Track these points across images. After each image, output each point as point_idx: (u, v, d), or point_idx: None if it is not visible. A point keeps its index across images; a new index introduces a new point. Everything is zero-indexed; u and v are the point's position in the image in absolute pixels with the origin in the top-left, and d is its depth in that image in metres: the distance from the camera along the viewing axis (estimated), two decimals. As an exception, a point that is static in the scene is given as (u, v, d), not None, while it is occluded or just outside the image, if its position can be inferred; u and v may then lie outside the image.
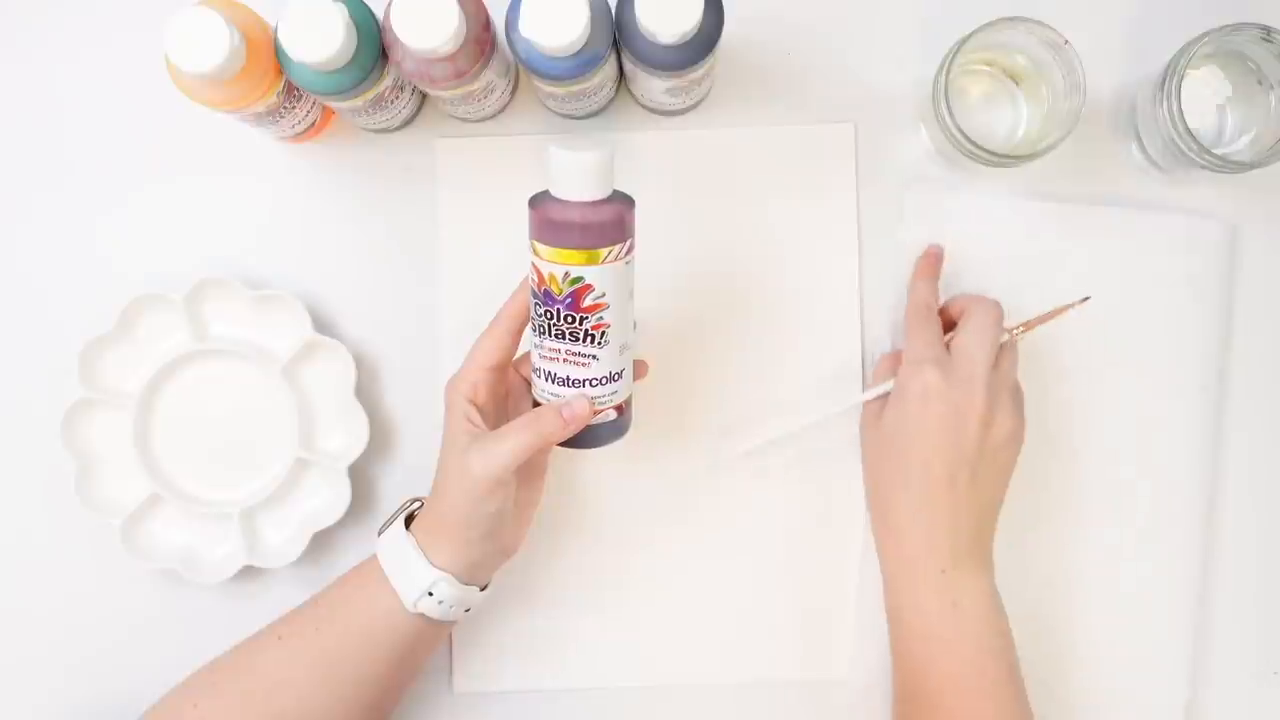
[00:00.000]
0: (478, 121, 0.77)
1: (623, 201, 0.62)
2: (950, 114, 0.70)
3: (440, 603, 0.66)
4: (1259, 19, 0.69)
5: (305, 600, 0.70)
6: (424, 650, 0.69)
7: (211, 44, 0.62)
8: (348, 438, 0.76)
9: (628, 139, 0.77)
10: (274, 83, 0.67)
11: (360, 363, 0.76)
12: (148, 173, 0.78)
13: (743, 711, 0.76)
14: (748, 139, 0.77)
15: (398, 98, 0.71)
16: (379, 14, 0.66)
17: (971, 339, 0.68)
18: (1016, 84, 0.75)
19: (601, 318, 0.62)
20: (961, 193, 0.76)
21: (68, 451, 0.75)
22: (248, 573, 0.76)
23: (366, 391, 0.77)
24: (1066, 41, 0.68)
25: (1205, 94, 0.73)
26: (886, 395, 0.71)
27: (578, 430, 0.64)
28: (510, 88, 0.75)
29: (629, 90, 0.75)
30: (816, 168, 0.77)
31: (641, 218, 0.63)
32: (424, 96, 0.76)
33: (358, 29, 0.64)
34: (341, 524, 0.75)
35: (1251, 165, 0.69)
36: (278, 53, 0.66)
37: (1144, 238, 0.76)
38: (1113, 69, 0.76)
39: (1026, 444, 0.70)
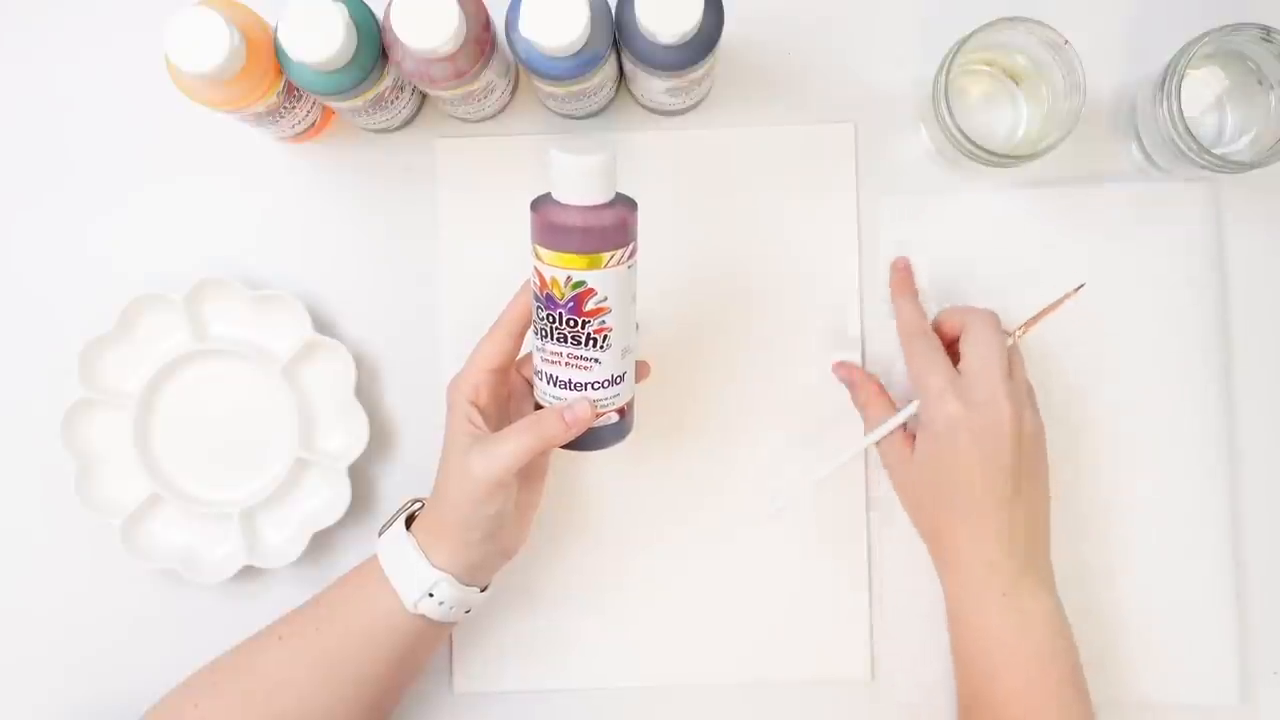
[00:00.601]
0: (478, 121, 0.77)
1: (625, 205, 0.62)
2: (950, 114, 0.70)
3: (441, 603, 0.66)
4: (1259, 19, 0.69)
5: (306, 600, 0.70)
6: (424, 651, 0.69)
7: (211, 44, 0.62)
8: (348, 438, 0.76)
9: (628, 139, 0.77)
10: (274, 83, 0.67)
11: (360, 363, 0.76)
12: (148, 173, 0.78)
13: (743, 712, 0.76)
14: (748, 139, 0.77)
15: (398, 98, 0.71)
16: (379, 14, 0.66)
17: (980, 356, 0.68)
18: (1016, 84, 0.75)
19: (604, 321, 0.62)
20: (945, 194, 0.76)
21: (68, 451, 0.75)
22: (248, 573, 0.76)
23: (366, 391, 0.77)
24: (1066, 41, 0.68)
25: (1205, 94, 0.73)
26: (902, 424, 0.71)
27: (579, 433, 0.64)
28: (510, 88, 0.75)
29: (629, 90, 0.75)
30: (816, 168, 0.77)
31: (641, 218, 0.63)
32: (424, 96, 0.76)
33: (358, 29, 0.64)
34: (341, 524, 0.75)
35: (1251, 165, 0.69)
36: (278, 53, 0.66)
37: (1143, 237, 0.76)
38: (1113, 69, 0.76)
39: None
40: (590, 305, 0.62)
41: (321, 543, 0.76)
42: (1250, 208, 0.76)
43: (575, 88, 0.68)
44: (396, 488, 0.78)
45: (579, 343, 0.63)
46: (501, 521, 0.66)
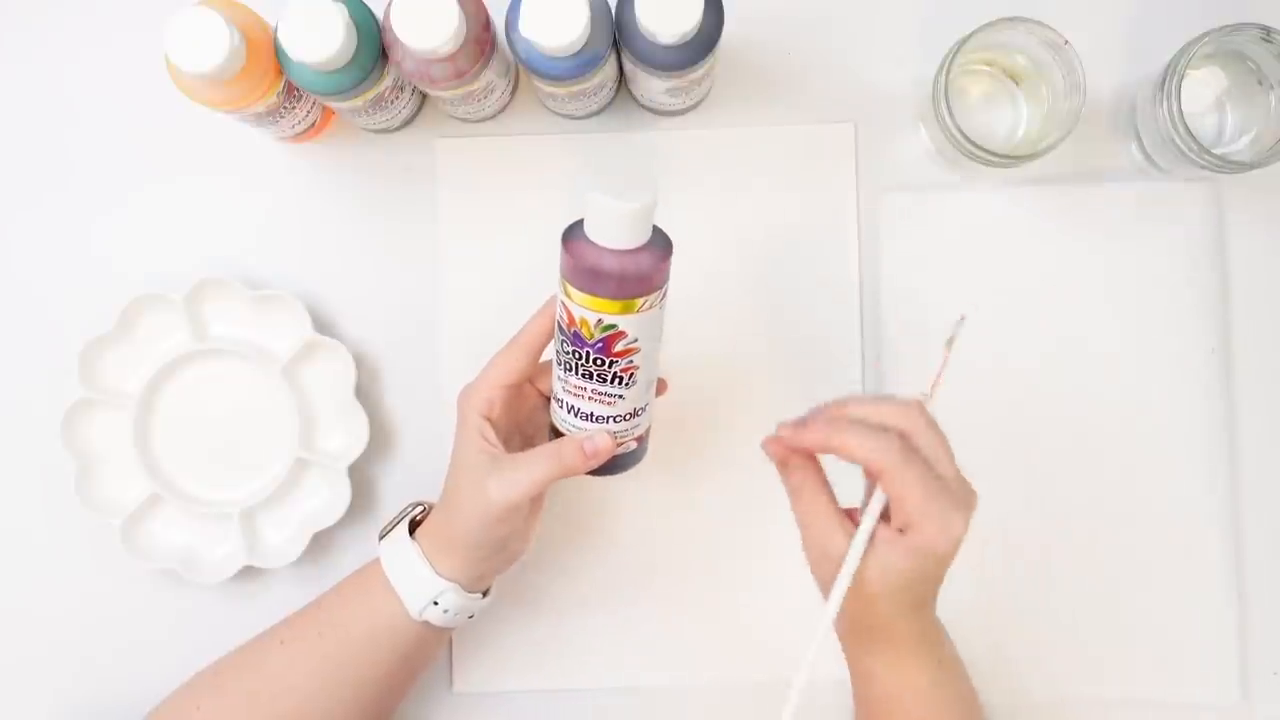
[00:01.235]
0: (478, 121, 0.77)
1: (662, 247, 0.59)
2: (950, 114, 0.70)
3: (445, 611, 0.66)
4: (1259, 19, 0.69)
5: (307, 603, 0.69)
6: (426, 655, 0.69)
7: (211, 44, 0.62)
8: (348, 438, 0.76)
9: (628, 139, 0.77)
10: (274, 83, 0.67)
11: (360, 363, 0.76)
12: (148, 173, 0.78)
13: (742, 712, 0.76)
14: (748, 139, 0.77)
15: (398, 98, 0.71)
16: (379, 14, 0.66)
17: (948, 461, 0.59)
18: (1016, 84, 0.75)
19: (632, 361, 0.61)
20: (945, 194, 0.76)
21: (68, 451, 0.75)
22: (248, 573, 0.76)
23: (366, 391, 0.77)
24: (1066, 41, 0.68)
25: (1205, 94, 0.73)
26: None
27: (599, 464, 0.63)
28: (510, 88, 0.75)
29: (629, 90, 0.75)
30: (816, 168, 0.77)
31: (641, 218, 0.63)
32: (424, 96, 0.76)
33: (358, 29, 0.64)
34: (341, 524, 0.75)
35: (1251, 165, 0.69)
36: (278, 53, 0.66)
37: (1143, 237, 0.76)
38: (1113, 69, 0.76)
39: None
40: (620, 347, 0.60)
41: (321, 543, 0.76)
42: (1250, 208, 0.76)
43: (575, 88, 0.68)
44: (396, 488, 0.78)
45: (604, 380, 0.61)
46: (511, 539, 0.66)
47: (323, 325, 0.77)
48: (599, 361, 0.60)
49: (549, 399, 0.65)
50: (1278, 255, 0.77)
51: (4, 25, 0.78)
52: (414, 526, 0.68)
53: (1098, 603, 0.75)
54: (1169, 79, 0.69)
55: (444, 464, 0.67)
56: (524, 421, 0.68)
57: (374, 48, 0.66)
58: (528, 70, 0.66)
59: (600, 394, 0.62)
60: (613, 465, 0.65)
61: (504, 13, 0.65)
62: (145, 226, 0.78)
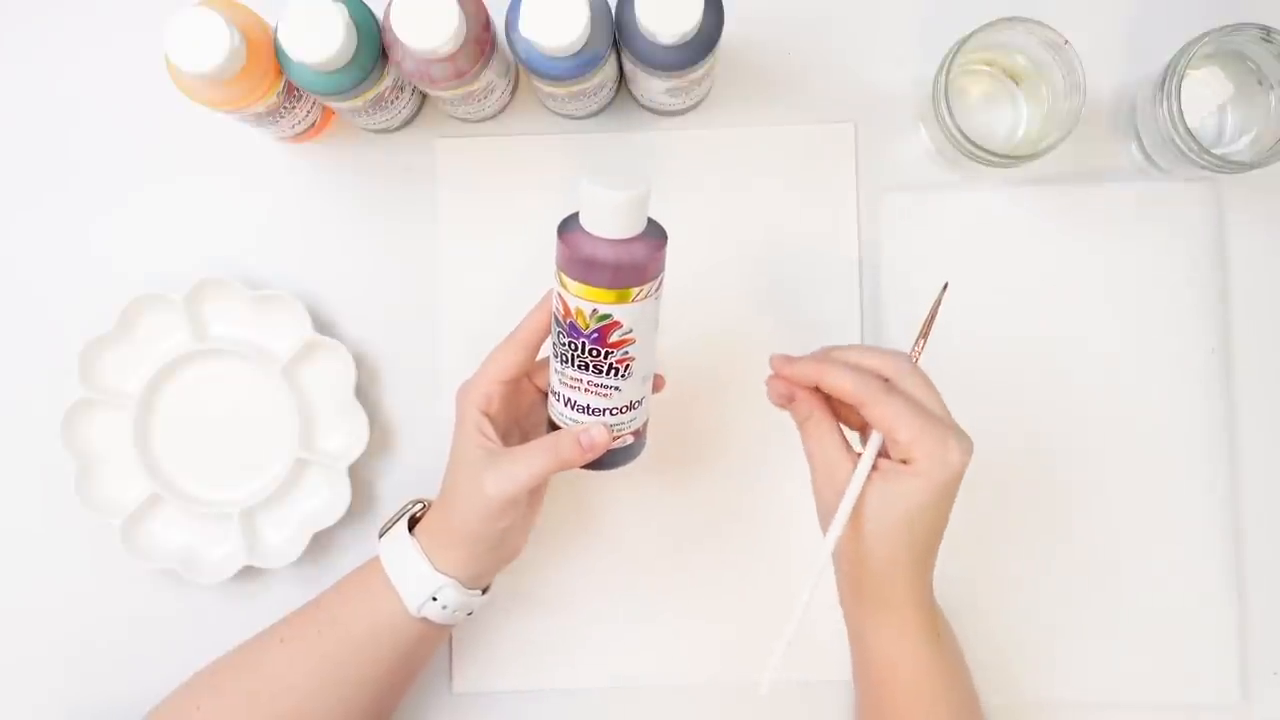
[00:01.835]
0: (478, 121, 0.77)
1: (656, 238, 0.59)
2: (950, 114, 0.70)
3: (444, 608, 0.66)
4: (1259, 19, 0.69)
5: (306, 602, 0.70)
6: (425, 652, 0.69)
7: (211, 44, 0.62)
8: (348, 438, 0.76)
9: (628, 139, 0.77)
10: (274, 83, 0.67)
11: (360, 363, 0.76)
12: (148, 173, 0.78)
13: (742, 712, 0.76)
14: (748, 139, 0.77)
15: (398, 98, 0.71)
16: (379, 14, 0.66)
17: (937, 400, 0.62)
18: (1016, 84, 0.75)
19: (627, 352, 0.61)
20: (945, 194, 0.76)
21: (68, 451, 0.75)
22: (248, 573, 0.76)
23: (366, 391, 0.77)
24: (1066, 41, 0.68)
25: (1205, 94, 0.73)
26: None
27: (595, 458, 0.63)
28: (510, 88, 0.75)
29: (629, 90, 0.75)
30: (816, 168, 0.77)
31: (641, 218, 0.63)
32: (424, 96, 0.76)
33: (358, 29, 0.64)
34: (341, 524, 0.75)
35: (1251, 165, 0.69)
36: (278, 53, 0.66)
37: (1144, 237, 0.76)
38: (1113, 69, 0.76)
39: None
40: (615, 337, 0.60)
41: (321, 543, 0.76)
42: (1250, 208, 0.76)
43: (575, 88, 0.68)
44: (396, 488, 0.78)
45: (600, 371, 0.61)
46: (509, 533, 0.66)
47: (323, 325, 0.77)
48: (594, 352, 0.61)
49: (547, 394, 0.65)
50: (1278, 255, 0.77)
51: (4, 25, 0.78)
52: (414, 523, 0.68)
53: (1097, 602, 0.75)
54: (1169, 79, 0.69)
55: (444, 463, 0.67)
56: (522, 417, 0.68)
57: (374, 48, 0.66)
58: (528, 70, 0.66)
59: (596, 386, 0.62)
60: (610, 460, 0.65)
61: (504, 13, 0.65)
62: (145, 226, 0.78)
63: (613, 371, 0.61)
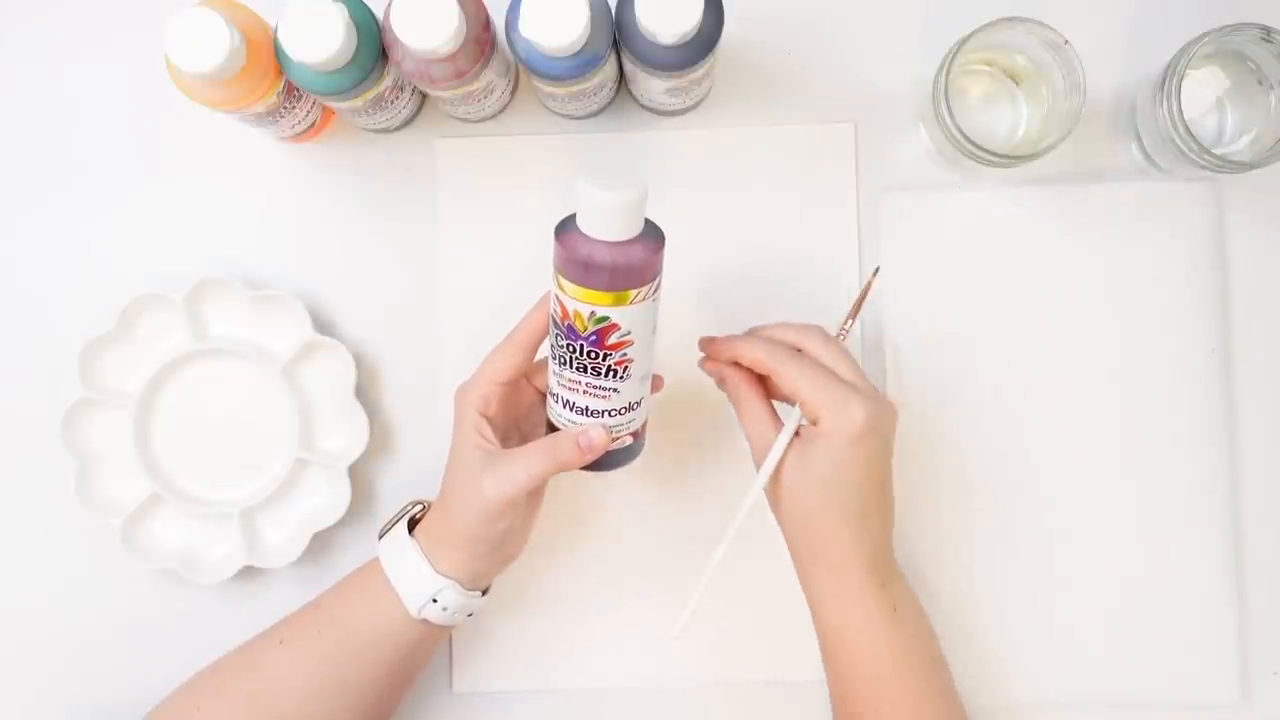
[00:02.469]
0: (478, 121, 0.77)
1: (654, 239, 0.59)
2: (950, 114, 0.70)
3: (445, 609, 0.66)
4: (1259, 19, 0.69)
5: (307, 603, 0.70)
6: (425, 653, 0.69)
7: (211, 44, 0.62)
8: (348, 438, 0.76)
9: (628, 139, 0.77)
10: (274, 83, 0.67)
11: (360, 363, 0.76)
12: (148, 173, 0.78)
13: (742, 712, 0.76)
14: (748, 139, 0.77)
15: (398, 98, 0.71)
16: (379, 14, 0.66)
17: (845, 362, 0.65)
18: (1016, 84, 0.75)
19: (626, 354, 0.61)
20: (945, 194, 0.76)
21: (68, 451, 0.75)
22: (248, 573, 0.76)
23: (366, 391, 0.77)
24: (1066, 41, 0.68)
25: (1205, 94, 0.73)
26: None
27: (594, 459, 0.63)
28: (510, 88, 0.75)
29: (629, 90, 0.75)
30: (816, 168, 0.77)
31: (641, 218, 0.63)
32: (424, 96, 0.76)
33: (358, 29, 0.64)
34: (341, 524, 0.75)
35: (1251, 165, 0.69)
36: (278, 53, 0.66)
37: (1144, 237, 0.76)
38: (1113, 69, 0.76)
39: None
40: (613, 339, 0.60)
41: (321, 543, 0.76)
42: (1250, 208, 0.76)
43: (575, 88, 0.68)
44: (396, 488, 0.78)
45: (599, 373, 0.61)
46: (508, 534, 0.66)
47: (323, 325, 0.77)
48: (593, 354, 0.60)
49: (546, 395, 0.65)
50: (1278, 255, 0.77)
51: (4, 25, 0.78)
52: (413, 525, 0.68)
53: (1097, 602, 0.75)
54: (1169, 79, 0.69)
55: (443, 463, 0.67)
56: (521, 418, 0.68)
57: (374, 48, 0.66)
58: (528, 70, 0.66)
59: (595, 388, 0.62)
60: (609, 461, 0.65)
61: (504, 13, 0.65)
62: (145, 226, 0.78)
63: (611, 373, 0.61)
